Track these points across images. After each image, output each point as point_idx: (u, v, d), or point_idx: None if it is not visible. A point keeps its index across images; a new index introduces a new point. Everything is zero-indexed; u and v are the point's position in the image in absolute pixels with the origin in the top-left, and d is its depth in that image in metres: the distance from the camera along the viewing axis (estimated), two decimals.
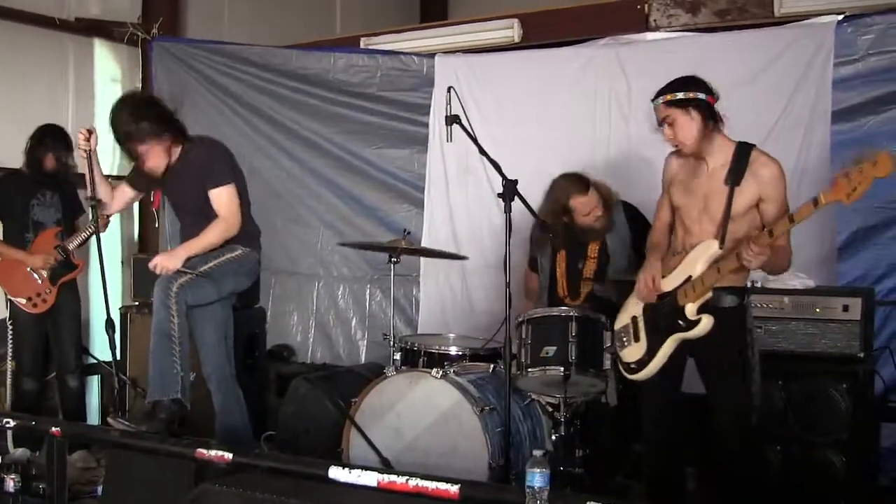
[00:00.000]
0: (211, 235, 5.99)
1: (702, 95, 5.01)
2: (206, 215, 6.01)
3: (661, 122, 5.11)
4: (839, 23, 6.87)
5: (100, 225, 6.53)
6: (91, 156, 6.14)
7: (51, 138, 7.32)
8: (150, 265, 5.95)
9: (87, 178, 6.23)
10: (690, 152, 5.10)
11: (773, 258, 4.82)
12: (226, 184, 6.03)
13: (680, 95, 5.00)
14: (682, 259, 5.13)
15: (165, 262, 5.89)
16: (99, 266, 6.33)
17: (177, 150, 6.10)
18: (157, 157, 6.01)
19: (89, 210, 6.47)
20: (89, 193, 6.32)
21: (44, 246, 7.25)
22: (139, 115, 5.91)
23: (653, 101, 5.13)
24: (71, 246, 7.28)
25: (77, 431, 6.10)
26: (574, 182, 6.44)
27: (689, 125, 5.01)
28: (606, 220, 6.45)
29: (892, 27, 6.73)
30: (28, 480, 5.99)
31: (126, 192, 6.43)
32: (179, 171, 6.11)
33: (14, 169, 7.43)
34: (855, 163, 4.34)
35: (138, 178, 6.36)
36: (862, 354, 5.89)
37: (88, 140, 6.11)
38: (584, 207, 6.41)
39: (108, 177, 8.25)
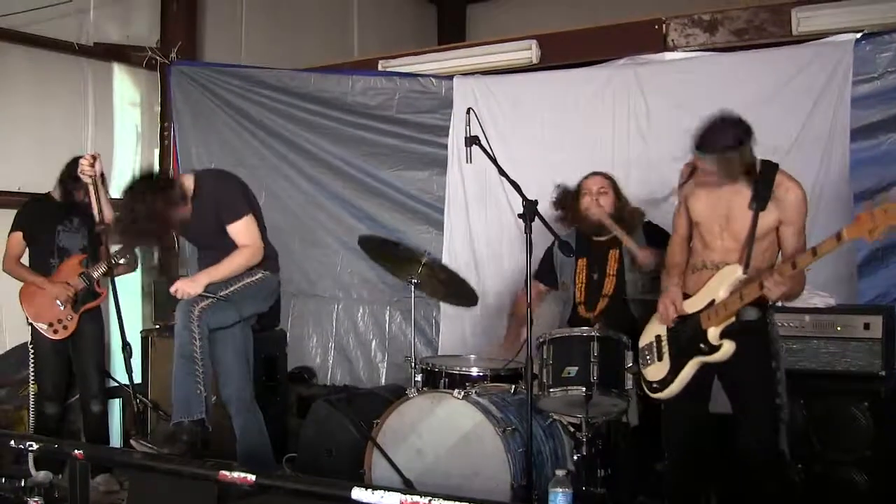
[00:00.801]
0: (234, 263, 6.03)
1: (748, 146, 4.91)
2: (226, 249, 6.05)
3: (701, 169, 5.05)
4: (857, 41, 6.85)
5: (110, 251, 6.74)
6: (95, 181, 6.17)
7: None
8: (171, 290, 5.98)
9: (93, 203, 6.27)
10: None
11: (790, 287, 4.84)
12: (243, 216, 6.08)
13: (733, 157, 4.87)
14: (706, 281, 5.13)
15: (186, 287, 5.92)
16: (112, 291, 6.39)
17: (188, 193, 6.12)
18: (181, 213, 6.05)
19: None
20: (97, 219, 6.36)
21: (68, 272, 7.26)
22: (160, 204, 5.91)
23: (700, 153, 4.95)
24: (95, 274, 7.28)
25: (99, 454, 6.10)
26: (590, 173, 6.64)
27: (733, 172, 4.95)
28: (615, 214, 6.48)
29: None
30: (51, 503, 6.01)
31: None
32: (194, 211, 6.14)
33: (42, 195, 7.45)
34: (881, 202, 4.34)
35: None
36: (884, 373, 5.89)
37: (93, 166, 6.15)
38: (592, 185, 6.52)
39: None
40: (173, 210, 5.96)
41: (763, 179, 4.95)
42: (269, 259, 6.28)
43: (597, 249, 6.58)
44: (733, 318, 4.96)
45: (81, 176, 6.36)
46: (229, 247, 6.05)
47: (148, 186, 5.97)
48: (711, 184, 5.04)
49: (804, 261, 4.66)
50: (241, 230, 6.05)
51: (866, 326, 5.93)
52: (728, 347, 4.98)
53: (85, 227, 7.41)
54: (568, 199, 6.58)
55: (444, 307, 8.46)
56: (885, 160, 6.73)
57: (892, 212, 4.26)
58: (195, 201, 6.12)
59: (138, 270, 8.00)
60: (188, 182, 6.12)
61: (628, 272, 6.50)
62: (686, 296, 5.24)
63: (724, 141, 4.87)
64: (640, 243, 6.44)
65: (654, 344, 5.38)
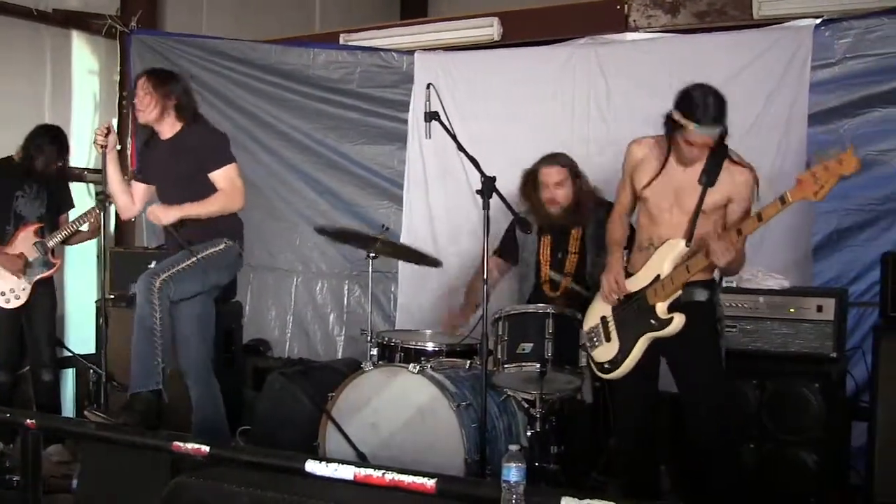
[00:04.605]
0: (210, 205, 6.02)
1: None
2: (192, 199, 6.01)
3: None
4: (817, 26, 6.90)
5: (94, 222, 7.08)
6: (107, 153, 6.13)
7: (44, 139, 7.30)
8: (147, 212, 6.07)
9: (103, 174, 6.22)
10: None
11: (734, 256, 4.85)
12: (230, 163, 6.10)
13: (724, 128, 4.88)
14: (648, 257, 5.16)
15: (159, 212, 5.97)
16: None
17: (178, 125, 6.16)
18: (153, 108, 6.08)
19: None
20: (101, 189, 6.35)
21: (23, 240, 7.21)
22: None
23: (700, 128, 4.82)
24: (50, 243, 7.25)
25: (52, 424, 6.09)
26: (548, 156, 6.55)
27: (718, 142, 4.94)
28: (573, 204, 6.46)
29: (869, 31, 6.76)
30: (2, 473, 5.99)
31: (140, 188, 6.41)
32: (176, 147, 6.15)
33: (1, 158, 7.40)
34: (820, 161, 4.38)
35: (142, 166, 6.46)
36: (835, 354, 5.92)
37: (106, 137, 6.10)
38: (548, 178, 6.45)
39: (86, 170, 8.24)
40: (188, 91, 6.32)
41: (713, 156, 4.96)
42: (235, 232, 6.25)
43: (559, 227, 6.57)
44: (680, 292, 5.01)
45: (94, 146, 6.31)
46: (196, 196, 6.03)
47: None
48: (694, 158, 5.00)
49: (750, 227, 4.71)
50: (225, 176, 6.06)
51: (819, 309, 5.96)
52: (679, 320, 5.01)
53: (44, 194, 7.37)
54: (528, 188, 6.57)
55: (402, 283, 8.50)
56: (842, 146, 6.76)
57: (834, 168, 4.31)
58: (180, 139, 6.15)
59: (93, 242, 7.93)
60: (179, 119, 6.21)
61: (588, 252, 6.50)
62: (630, 274, 5.27)
63: (719, 113, 4.86)
64: (600, 225, 6.45)
65: (601, 325, 5.40)
